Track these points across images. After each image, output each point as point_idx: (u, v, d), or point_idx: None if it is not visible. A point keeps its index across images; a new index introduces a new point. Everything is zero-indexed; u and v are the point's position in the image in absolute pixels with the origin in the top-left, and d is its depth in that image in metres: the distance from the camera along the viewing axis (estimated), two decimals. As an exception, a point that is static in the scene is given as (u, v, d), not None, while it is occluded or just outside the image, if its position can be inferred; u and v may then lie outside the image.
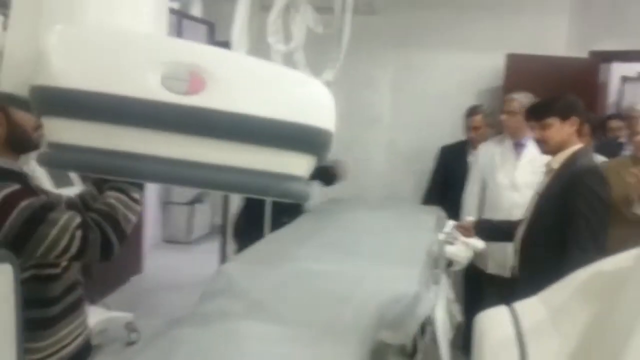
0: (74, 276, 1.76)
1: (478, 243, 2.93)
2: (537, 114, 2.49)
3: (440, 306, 2.13)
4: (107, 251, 1.56)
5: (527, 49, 4.33)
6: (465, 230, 2.88)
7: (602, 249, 2.22)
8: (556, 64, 4.24)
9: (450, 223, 3.12)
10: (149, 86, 0.93)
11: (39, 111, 1.03)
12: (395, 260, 2.30)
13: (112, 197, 1.62)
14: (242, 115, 0.96)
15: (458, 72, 4.66)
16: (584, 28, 4.47)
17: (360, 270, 2.12)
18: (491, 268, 3.42)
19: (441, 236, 2.83)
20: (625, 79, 5.55)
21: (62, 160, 0.99)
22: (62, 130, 0.96)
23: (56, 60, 0.93)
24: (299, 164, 1.06)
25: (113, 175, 1.05)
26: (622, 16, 4.33)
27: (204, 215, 7.29)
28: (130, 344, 3.90)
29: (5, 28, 1.12)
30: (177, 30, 5.38)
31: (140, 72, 0.92)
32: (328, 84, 2.77)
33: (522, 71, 4.20)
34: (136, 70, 0.93)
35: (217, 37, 5.05)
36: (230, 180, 1.00)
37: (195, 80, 0.99)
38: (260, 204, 3.25)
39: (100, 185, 1.75)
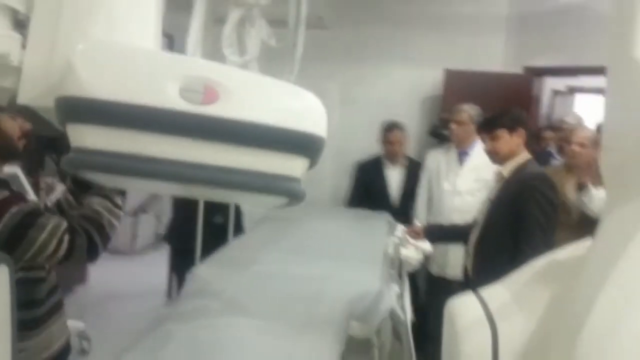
0: (55, 279, 1.81)
1: (427, 246, 3.12)
2: (487, 127, 2.69)
3: (407, 301, 2.29)
4: (92, 254, 1.64)
5: (466, 65, 4.59)
6: (416, 234, 3.06)
7: (551, 249, 2.44)
8: (493, 78, 4.52)
9: (400, 227, 3.30)
10: (168, 97, 1.03)
11: (65, 119, 1.12)
12: (356, 262, 2.45)
13: (97, 203, 1.70)
14: (250, 123, 1.07)
15: (402, 85, 4.89)
16: (519, 45, 4.78)
17: (326, 272, 2.26)
18: (434, 270, 3.62)
19: (395, 239, 3.00)
20: (556, 93, 5.94)
21: (87, 163, 1.07)
22: (88, 136, 1.05)
23: (84, 74, 1.02)
24: (297, 166, 1.18)
25: (133, 175, 1.15)
26: (554, 34, 4.65)
27: (149, 225, 7.25)
28: (83, 352, 3.88)
29: (23, 47, 1.21)
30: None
31: (160, 85, 1.02)
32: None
33: (459, 85, 4.46)
34: (157, 82, 1.03)
35: (175, 49, 5.09)
36: (238, 180, 1.11)
37: (209, 92, 1.10)
38: (192, 205, 3.34)
39: (80, 189, 1.82)
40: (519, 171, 2.59)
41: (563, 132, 4.14)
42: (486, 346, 1.12)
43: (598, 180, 3.54)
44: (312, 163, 1.25)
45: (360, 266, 2.38)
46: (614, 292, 0.86)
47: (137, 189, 2.10)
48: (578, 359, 0.86)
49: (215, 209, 3.72)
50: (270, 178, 1.13)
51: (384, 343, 2.05)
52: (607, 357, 0.83)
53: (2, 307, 1.42)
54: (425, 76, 4.85)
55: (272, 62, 3.15)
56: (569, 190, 3.34)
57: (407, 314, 2.78)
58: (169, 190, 1.54)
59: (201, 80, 1.07)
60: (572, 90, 6.27)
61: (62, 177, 2.06)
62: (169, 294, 4.41)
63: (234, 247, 2.66)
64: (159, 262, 5.43)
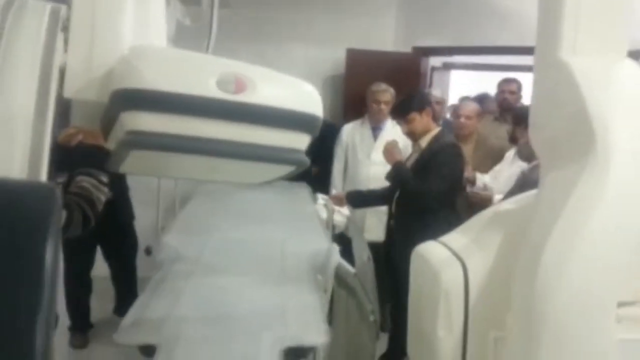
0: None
1: (346, 211, 3.54)
2: (401, 112, 3.13)
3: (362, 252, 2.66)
4: (86, 227, 1.85)
5: (361, 45, 5.03)
6: (339, 201, 3.45)
7: (454, 207, 2.96)
8: (387, 57, 5.00)
9: (320, 196, 3.68)
10: (208, 88, 1.32)
11: (122, 108, 1.35)
12: (300, 225, 2.80)
13: (85, 181, 1.89)
14: (269, 107, 1.37)
15: (305, 64, 5.23)
16: (408, 26, 5.29)
17: (279, 235, 2.59)
18: (351, 231, 4.05)
19: (322, 206, 3.37)
20: (433, 69, 6.56)
21: (143, 143, 1.30)
22: (144, 121, 1.28)
23: (142, 69, 1.25)
24: (302, 141, 1.50)
25: (180, 152, 1.41)
26: (437, 17, 5.20)
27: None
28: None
29: (66, 50, 1.43)
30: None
31: (202, 78, 1.29)
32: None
33: (359, 64, 4.90)
34: (199, 76, 1.29)
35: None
36: (261, 153, 1.42)
37: (239, 84, 1.39)
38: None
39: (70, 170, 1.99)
40: (435, 141, 3.08)
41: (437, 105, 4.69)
42: (459, 277, 1.52)
43: (480, 144, 4.15)
44: (313, 137, 1.58)
45: (304, 228, 2.73)
46: (562, 233, 1.27)
47: (171, 174, 2.29)
48: (539, 284, 1.27)
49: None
50: (285, 151, 1.45)
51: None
52: (562, 279, 1.24)
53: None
54: (325, 55, 5.23)
55: (187, 42, 3.34)
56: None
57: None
58: (200, 174, 1.77)
59: (232, 74, 1.36)
60: (447, 66, 6.95)
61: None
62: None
63: (184, 217, 2.88)
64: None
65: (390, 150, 3.17)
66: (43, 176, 1.03)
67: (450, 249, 1.63)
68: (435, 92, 4.96)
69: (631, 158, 1.31)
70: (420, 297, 1.67)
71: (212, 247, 2.35)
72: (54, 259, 0.75)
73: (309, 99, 1.51)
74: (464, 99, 4.76)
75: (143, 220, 4.16)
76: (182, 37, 3.34)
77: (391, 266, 3.03)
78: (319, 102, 1.55)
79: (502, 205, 1.70)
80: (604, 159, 1.29)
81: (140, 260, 3.73)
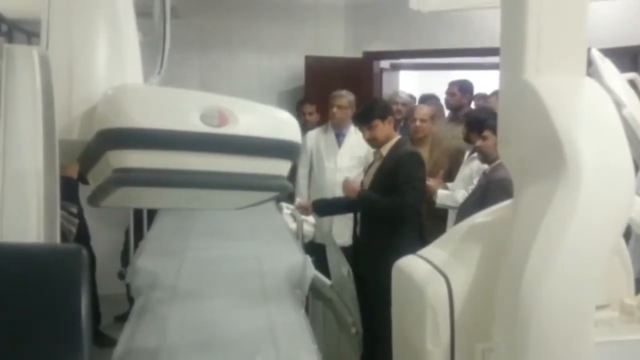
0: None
1: (311, 219, 3.59)
2: (363, 119, 3.20)
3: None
4: None
5: (313, 52, 5.11)
6: (305, 210, 3.49)
7: (419, 214, 3.06)
8: (341, 62, 5.11)
9: (284, 205, 3.71)
10: (193, 122, 1.34)
11: (107, 147, 1.36)
12: (271, 239, 2.83)
13: None
14: (253, 137, 1.41)
15: (259, 72, 5.26)
16: (356, 33, 5.42)
17: (251, 251, 2.61)
18: (319, 240, 4.10)
19: (287, 216, 3.41)
20: (382, 70, 6.69)
21: (130, 180, 1.31)
22: (130, 158, 1.29)
23: (124, 109, 1.27)
24: (283, 167, 1.55)
25: (168, 186, 1.43)
26: (383, 23, 5.32)
27: None
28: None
29: None
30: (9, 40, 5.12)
31: (186, 114, 1.31)
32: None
33: (317, 70, 4.99)
34: (183, 112, 1.32)
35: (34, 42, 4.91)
36: (245, 182, 1.46)
37: (222, 117, 1.43)
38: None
39: None
40: (395, 149, 3.17)
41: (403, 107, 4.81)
42: (443, 291, 1.58)
43: (435, 145, 4.28)
44: (293, 163, 1.62)
45: (276, 242, 2.76)
46: (541, 246, 1.36)
47: (155, 206, 2.29)
48: (522, 295, 1.34)
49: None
50: (268, 177, 1.49)
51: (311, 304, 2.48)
52: (544, 289, 1.32)
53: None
54: (277, 63, 5.29)
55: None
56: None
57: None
58: (185, 203, 1.78)
59: (215, 108, 1.39)
60: (396, 67, 7.09)
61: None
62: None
63: (155, 238, 2.86)
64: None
65: (347, 186, 3.30)
66: (57, 235, 1.03)
67: (431, 263, 1.69)
68: (403, 94, 5.08)
69: (599, 172, 1.40)
70: (404, 311, 1.73)
71: (188, 270, 2.35)
72: (87, 316, 0.77)
73: (287, 127, 1.55)
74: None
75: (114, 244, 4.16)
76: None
77: (356, 273, 3.11)
78: (297, 128, 1.60)
79: (477, 218, 1.78)
80: (575, 174, 1.38)
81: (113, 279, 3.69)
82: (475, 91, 4.89)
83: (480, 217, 1.78)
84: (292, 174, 4.31)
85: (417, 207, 3.04)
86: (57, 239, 1.05)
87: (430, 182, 3.57)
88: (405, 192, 2.99)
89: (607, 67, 2.12)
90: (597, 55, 2.11)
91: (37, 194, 1.03)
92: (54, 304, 0.77)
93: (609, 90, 2.02)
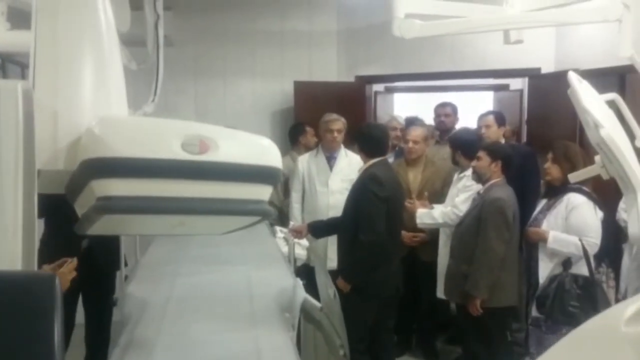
0: None
1: (305, 242, 3.61)
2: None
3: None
4: None
5: (306, 77, 5.18)
6: (298, 233, 3.52)
7: (380, 234, 3.12)
8: (332, 87, 5.18)
9: (278, 228, 3.74)
10: (174, 150, 1.38)
11: (91, 176, 1.40)
12: (262, 263, 2.85)
13: None
14: (233, 164, 1.46)
15: (254, 97, 5.34)
16: (349, 58, 5.49)
17: (243, 275, 2.63)
18: (311, 261, 4.12)
19: (281, 240, 3.44)
20: (377, 93, 6.78)
21: (113, 208, 1.35)
22: (113, 187, 1.33)
23: (108, 140, 1.30)
24: (265, 192, 1.59)
25: (151, 213, 1.47)
26: (375, 48, 5.40)
27: None
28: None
29: None
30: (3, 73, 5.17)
31: (167, 143, 1.35)
32: (147, 115, 3.17)
33: (307, 94, 5.05)
34: (164, 141, 1.36)
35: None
36: (227, 207, 1.50)
37: (203, 145, 1.47)
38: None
39: None
40: (364, 172, 3.29)
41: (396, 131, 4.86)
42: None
43: (427, 167, 4.31)
44: (274, 187, 1.66)
45: (268, 266, 2.79)
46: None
47: (140, 232, 2.34)
48: None
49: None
50: (250, 202, 1.52)
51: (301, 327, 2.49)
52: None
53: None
54: (272, 89, 5.36)
55: (132, 83, 3.37)
56: (413, 181, 4.08)
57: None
58: (169, 229, 1.81)
59: (196, 136, 1.43)
60: (389, 90, 7.17)
61: None
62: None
63: (147, 265, 2.89)
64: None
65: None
66: (34, 262, 1.06)
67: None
68: (400, 118, 5.14)
69: None
70: None
71: (177, 295, 2.38)
72: (60, 344, 0.80)
73: (268, 153, 1.60)
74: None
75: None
76: (128, 80, 3.36)
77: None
78: (278, 154, 1.64)
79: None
80: None
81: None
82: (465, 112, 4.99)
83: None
84: (286, 199, 4.36)
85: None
86: (35, 267, 1.08)
87: (407, 203, 3.65)
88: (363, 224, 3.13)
89: (584, 88, 2.16)
90: (574, 77, 2.15)
91: (15, 221, 1.06)
92: (27, 331, 0.79)
93: (586, 111, 2.07)
